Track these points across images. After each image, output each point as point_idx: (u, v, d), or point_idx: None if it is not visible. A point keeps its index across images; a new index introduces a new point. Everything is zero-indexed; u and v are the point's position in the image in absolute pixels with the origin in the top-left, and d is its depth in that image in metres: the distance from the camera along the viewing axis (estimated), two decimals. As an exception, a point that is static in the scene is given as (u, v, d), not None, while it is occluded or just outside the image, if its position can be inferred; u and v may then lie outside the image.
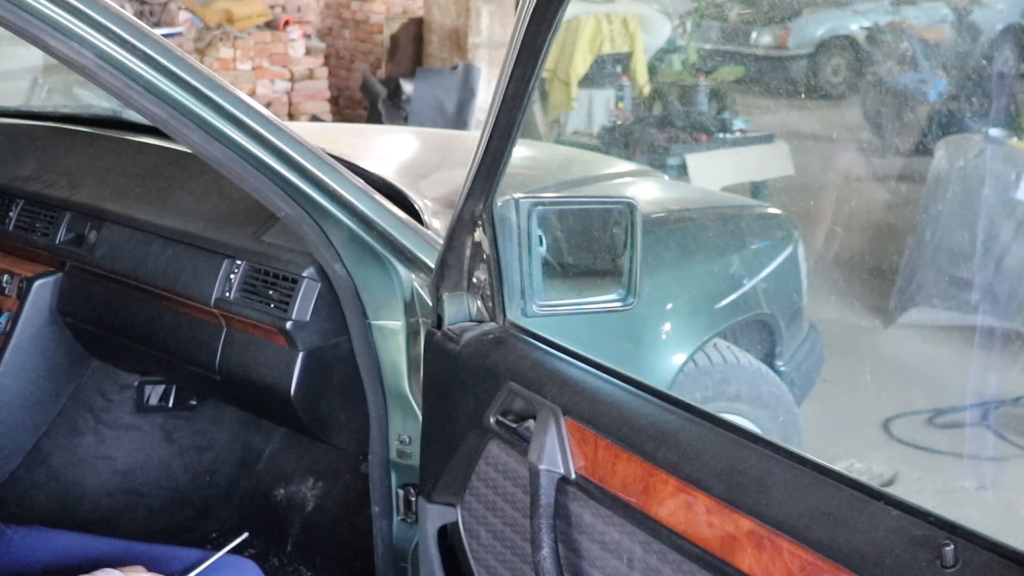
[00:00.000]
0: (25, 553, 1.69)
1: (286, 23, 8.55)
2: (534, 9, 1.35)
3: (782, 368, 3.07)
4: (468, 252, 1.64)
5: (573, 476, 1.40)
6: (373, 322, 1.85)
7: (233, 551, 1.57)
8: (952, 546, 0.99)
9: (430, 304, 1.73)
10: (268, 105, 8.03)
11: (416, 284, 1.81)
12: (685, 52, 7.98)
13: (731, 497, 1.18)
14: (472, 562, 1.67)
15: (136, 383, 2.65)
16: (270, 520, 2.69)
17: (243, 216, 2.09)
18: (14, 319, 2.46)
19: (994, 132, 5.02)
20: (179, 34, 8.03)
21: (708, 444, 1.26)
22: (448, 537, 1.75)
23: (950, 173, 4.94)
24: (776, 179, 6.52)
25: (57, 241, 2.39)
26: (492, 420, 1.53)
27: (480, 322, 1.67)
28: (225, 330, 2.10)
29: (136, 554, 1.68)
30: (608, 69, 7.49)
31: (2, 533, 1.71)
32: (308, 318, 1.93)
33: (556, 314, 1.64)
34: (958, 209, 4.86)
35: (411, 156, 2.99)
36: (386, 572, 1.95)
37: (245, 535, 1.60)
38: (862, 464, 3.71)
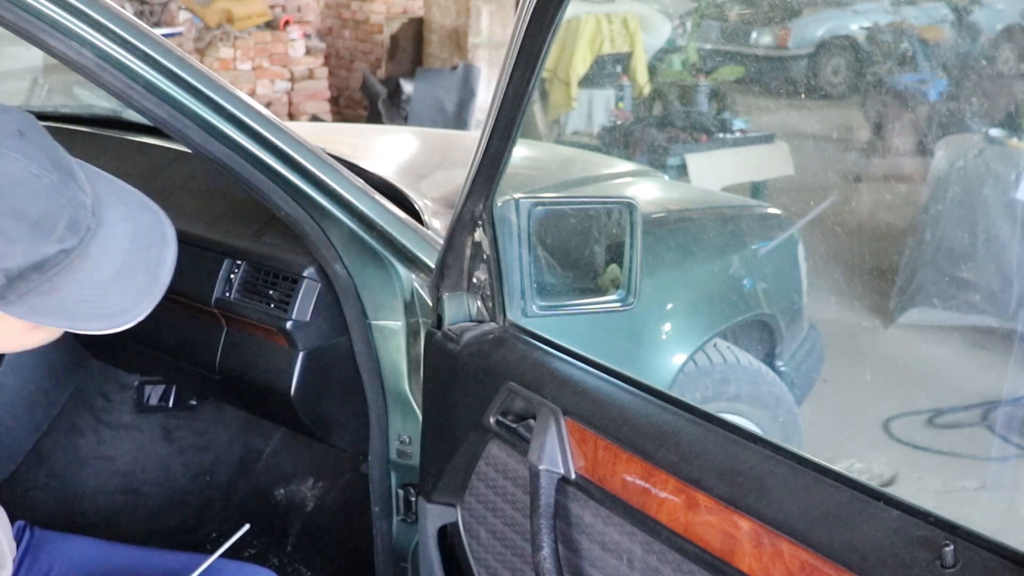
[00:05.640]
0: (54, 561, 1.66)
1: (286, 23, 8.54)
2: (534, 9, 1.35)
3: (782, 368, 3.06)
4: (468, 252, 1.64)
5: (573, 476, 1.40)
6: (373, 322, 1.85)
7: (235, 546, 1.56)
8: (952, 546, 0.99)
9: (430, 304, 1.73)
10: (268, 105, 8.03)
11: (416, 284, 1.81)
12: (685, 52, 7.97)
13: (731, 497, 1.18)
14: (472, 562, 1.67)
15: (136, 383, 2.65)
16: (270, 520, 2.69)
17: (243, 216, 2.09)
18: (14, 319, 2.45)
19: (994, 132, 5.02)
20: (179, 34, 8.03)
21: (708, 444, 1.26)
22: (448, 537, 1.75)
23: (950, 173, 4.94)
24: (776, 179, 6.52)
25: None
26: (492, 420, 1.53)
27: (480, 322, 1.67)
28: (225, 330, 2.10)
29: (170, 564, 1.67)
30: (608, 69, 7.49)
31: (27, 532, 1.69)
32: (308, 318, 1.93)
33: (556, 314, 1.64)
34: (958, 209, 4.86)
35: (411, 156, 2.99)
36: (386, 572, 1.95)
37: (247, 527, 1.59)
38: (862, 464, 3.71)
